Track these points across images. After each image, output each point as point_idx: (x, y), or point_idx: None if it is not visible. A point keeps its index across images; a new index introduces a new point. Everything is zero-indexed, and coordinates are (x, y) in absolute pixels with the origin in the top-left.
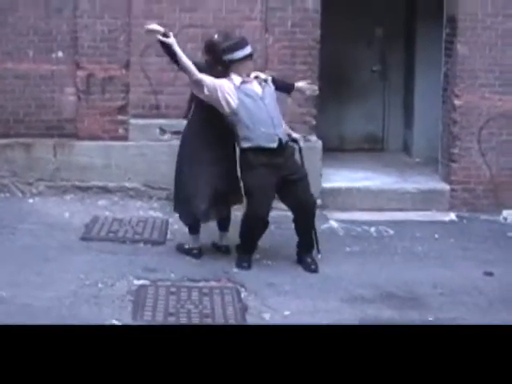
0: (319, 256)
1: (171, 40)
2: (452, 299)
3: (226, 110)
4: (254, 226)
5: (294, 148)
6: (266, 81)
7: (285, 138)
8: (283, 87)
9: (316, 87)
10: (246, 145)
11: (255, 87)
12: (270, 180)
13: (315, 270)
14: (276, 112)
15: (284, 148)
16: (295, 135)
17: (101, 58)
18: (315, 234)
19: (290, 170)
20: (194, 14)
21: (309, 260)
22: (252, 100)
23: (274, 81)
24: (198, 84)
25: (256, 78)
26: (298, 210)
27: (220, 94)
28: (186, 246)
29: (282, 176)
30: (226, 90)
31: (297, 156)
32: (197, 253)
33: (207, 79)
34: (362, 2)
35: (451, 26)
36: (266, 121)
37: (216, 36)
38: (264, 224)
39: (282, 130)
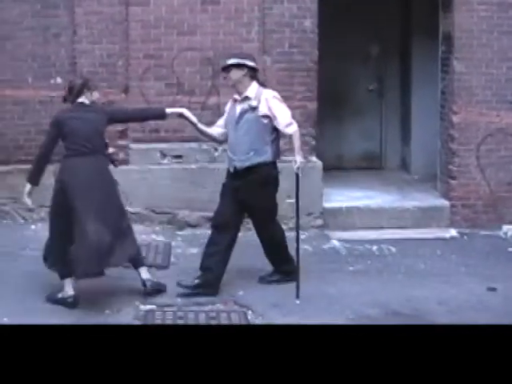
0: (297, 302)
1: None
2: (459, 316)
3: None
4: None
5: (260, 177)
6: (252, 107)
7: (244, 165)
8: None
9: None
10: None
11: (237, 109)
12: (227, 197)
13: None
14: (245, 138)
15: (241, 174)
16: (296, 164)
17: (100, 83)
18: (297, 274)
19: (245, 197)
20: (191, 38)
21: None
22: (230, 121)
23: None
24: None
25: (246, 98)
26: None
27: None
28: (60, 296)
29: (239, 200)
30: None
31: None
32: (72, 301)
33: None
34: (357, 21)
35: (447, 43)
36: (230, 145)
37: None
38: (223, 232)
39: (247, 156)
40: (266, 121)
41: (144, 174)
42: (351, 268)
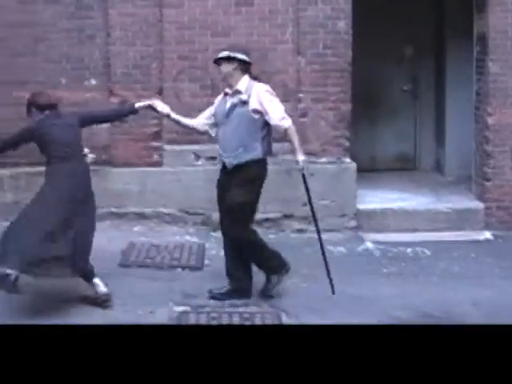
0: (333, 295)
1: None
2: (493, 318)
3: None
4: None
5: (247, 176)
6: (242, 101)
7: (233, 163)
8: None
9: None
10: None
11: (227, 103)
12: (220, 198)
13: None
14: (235, 134)
15: (230, 172)
16: (299, 164)
17: (134, 85)
18: (328, 273)
19: (226, 192)
20: (226, 39)
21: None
22: (220, 116)
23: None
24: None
25: (237, 92)
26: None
27: None
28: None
29: (221, 194)
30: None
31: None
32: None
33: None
34: (391, 21)
35: (481, 43)
36: (219, 140)
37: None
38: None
39: (235, 153)
40: (256, 116)
41: (178, 176)
42: (385, 270)
